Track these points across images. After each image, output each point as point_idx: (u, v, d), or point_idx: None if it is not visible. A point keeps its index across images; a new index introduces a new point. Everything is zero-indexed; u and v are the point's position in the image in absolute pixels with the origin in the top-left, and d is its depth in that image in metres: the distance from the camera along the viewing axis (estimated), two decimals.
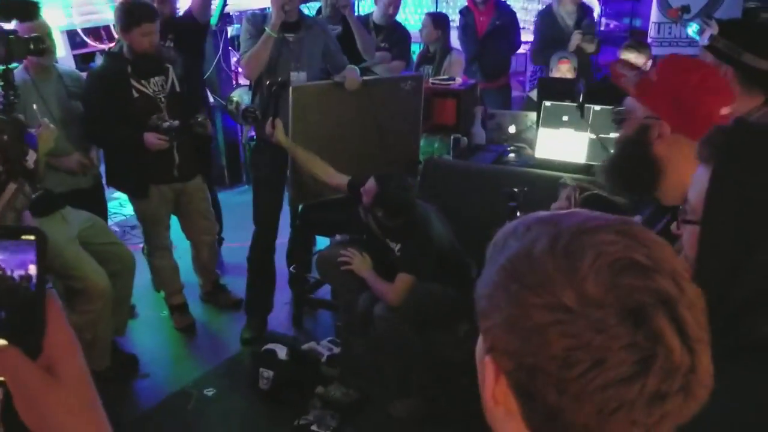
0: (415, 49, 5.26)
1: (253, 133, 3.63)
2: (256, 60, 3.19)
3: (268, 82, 3.16)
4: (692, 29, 1.84)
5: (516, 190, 2.34)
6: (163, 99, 3.26)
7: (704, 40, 1.77)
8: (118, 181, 3.50)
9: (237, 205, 4.73)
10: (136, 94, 3.21)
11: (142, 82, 3.22)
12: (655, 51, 4.87)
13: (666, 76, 1.38)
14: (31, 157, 1.87)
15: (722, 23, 1.82)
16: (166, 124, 3.19)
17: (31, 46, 2.53)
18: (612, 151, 1.63)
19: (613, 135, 3.20)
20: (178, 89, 3.31)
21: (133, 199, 3.53)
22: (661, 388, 0.54)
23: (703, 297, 0.59)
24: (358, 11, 5.91)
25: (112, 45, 5.17)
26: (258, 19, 3.34)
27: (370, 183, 2.83)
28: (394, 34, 4.26)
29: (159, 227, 3.54)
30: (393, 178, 2.88)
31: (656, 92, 1.38)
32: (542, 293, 0.57)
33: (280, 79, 3.12)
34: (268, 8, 3.35)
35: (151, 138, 3.16)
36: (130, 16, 3.11)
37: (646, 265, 0.56)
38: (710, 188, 0.92)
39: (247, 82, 3.56)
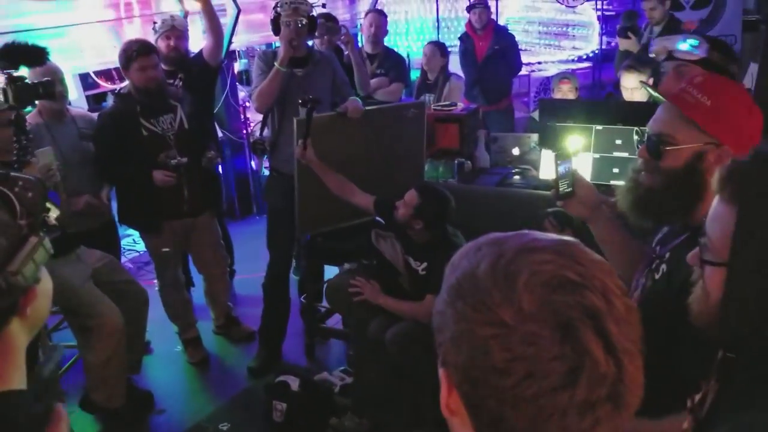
0: (415, 74, 5.34)
1: (267, 164, 3.70)
2: (266, 94, 3.29)
3: (300, 101, 3.10)
4: (689, 43, 1.88)
5: None
6: (172, 136, 3.34)
7: (703, 53, 1.82)
8: (130, 218, 3.56)
9: (248, 236, 4.78)
10: (145, 133, 3.30)
11: (151, 120, 3.31)
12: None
13: (724, 100, 1.34)
14: (53, 213, 1.97)
15: (711, 40, 1.91)
16: (173, 162, 3.27)
17: (40, 91, 2.56)
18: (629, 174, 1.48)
19: (617, 154, 3.23)
20: (186, 126, 3.39)
21: (145, 235, 3.59)
22: (590, 396, 0.58)
23: (636, 312, 0.63)
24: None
25: (123, 85, 5.31)
26: (269, 56, 3.42)
27: (411, 194, 2.85)
28: (387, 60, 4.34)
29: (171, 262, 3.59)
30: (434, 189, 2.94)
31: (720, 118, 1.33)
32: (483, 310, 0.61)
33: (311, 96, 3.08)
34: (275, 44, 3.43)
35: (159, 175, 3.23)
36: (125, 53, 3.24)
37: (577, 282, 0.60)
38: (738, 232, 0.87)
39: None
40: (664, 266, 1.39)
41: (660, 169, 1.37)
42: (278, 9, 3.30)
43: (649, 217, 1.43)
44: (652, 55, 2.10)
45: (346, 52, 4.14)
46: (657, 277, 1.40)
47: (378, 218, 3.10)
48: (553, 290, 0.60)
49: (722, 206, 0.94)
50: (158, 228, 3.43)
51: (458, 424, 0.66)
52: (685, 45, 1.90)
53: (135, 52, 3.21)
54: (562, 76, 4.52)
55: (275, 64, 3.25)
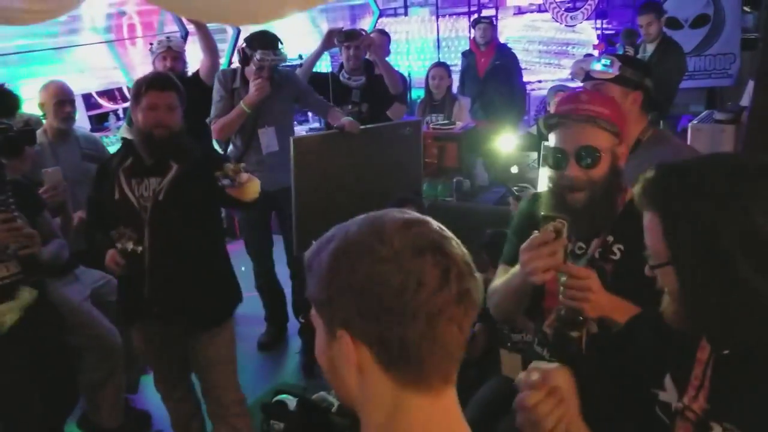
0: (416, 93, 5.37)
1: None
2: (229, 129, 3.41)
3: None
4: (603, 62, 2.04)
5: None
6: (148, 207, 2.38)
7: (615, 71, 2.01)
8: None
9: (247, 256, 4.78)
10: (117, 196, 2.41)
11: (133, 181, 2.41)
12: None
13: (611, 106, 1.57)
14: None
15: (623, 58, 2.12)
16: (119, 246, 2.34)
17: None
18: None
19: None
20: (161, 198, 2.37)
21: None
22: (460, 289, 0.79)
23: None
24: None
25: (126, 105, 5.37)
26: (227, 77, 3.49)
27: (407, 208, 2.89)
28: None
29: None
30: (411, 195, 3.18)
31: (620, 120, 1.56)
32: (368, 254, 0.79)
33: None
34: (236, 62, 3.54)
35: (108, 258, 2.39)
36: (136, 86, 2.46)
37: (421, 219, 0.83)
38: (664, 230, 1.02)
39: None
40: (618, 246, 1.55)
41: (593, 181, 1.53)
42: (247, 51, 3.38)
43: (593, 224, 1.57)
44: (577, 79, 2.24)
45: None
46: (616, 258, 1.54)
47: None
48: (410, 227, 0.81)
49: (648, 215, 1.06)
50: (128, 323, 2.63)
51: (372, 380, 0.80)
52: (598, 65, 2.04)
53: (145, 85, 2.39)
54: (558, 89, 4.54)
55: (241, 103, 3.33)
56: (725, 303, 0.97)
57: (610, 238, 1.55)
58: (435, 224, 0.84)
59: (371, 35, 4.44)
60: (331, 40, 3.87)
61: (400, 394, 0.81)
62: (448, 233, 0.83)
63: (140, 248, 2.33)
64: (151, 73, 2.57)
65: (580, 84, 2.33)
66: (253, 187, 2.27)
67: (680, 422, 1.09)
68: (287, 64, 4.14)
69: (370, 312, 0.77)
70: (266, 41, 3.38)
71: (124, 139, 2.65)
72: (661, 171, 1.05)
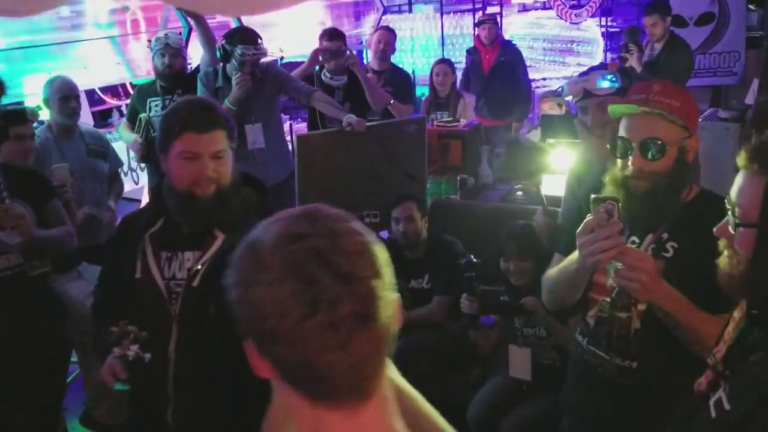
0: (420, 90, 5.35)
1: None
2: None
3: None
4: (609, 79, 2.09)
5: (473, 259, 2.50)
6: (176, 292, 1.69)
7: (620, 83, 2.10)
8: None
9: None
10: (139, 274, 1.72)
11: (163, 255, 1.72)
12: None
13: (682, 98, 1.55)
14: None
15: (622, 71, 2.23)
16: (128, 353, 1.63)
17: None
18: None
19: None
20: (196, 284, 1.66)
21: None
22: (334, 316, 0.72)
23: (366, 246, 0.77)
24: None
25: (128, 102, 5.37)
26: (210, 78, 3.46)
27: (406, 207, 3.03)
28: (395, 78, 4.30)
29: None
30: (407, 193, 3.18)
31: (689, 113, 1.55)
32: (242, 275, 0.76)
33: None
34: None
35: (105, 369, 1.68)
36: (165, 124, 1.68)
37: (304, 233, 0.75)
38: (765, 194, 1.02)
39: None
40: (672, 244, 1.55)
41: (656, 174, 1.52)
42: (227, 47, 3.32)
43: (653, 217, 1.56)
44: (568, 98, 2.25)
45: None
46: (668, 255, 1.55)
47: None
48: (287, 244, 0.74)
49: (750, 178, 1.06)
50: None
51: (276, 386, 0.80)
52: (606, 83, 2.07)
53: (179, 124, 1.63)
54: (545, 95, 4.56)
55: (226, 101, 3.28)
56: None
57: (665, 235, 1.56)
58: (330, 231, 0.76)
59: (378, 32, 4.44)
60: (316, 58, 3.85)
61: (315, 410, 0.77)
62: (350, 239, 0.77)
63: (148, 356, 1.64)
64: (183, 101, 1.78)
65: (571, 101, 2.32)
66: None
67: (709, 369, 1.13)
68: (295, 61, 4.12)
69: (255, 330, 0.76)
70: (246, 36, 3.36)
71: (154, 190, 1.84)
72: None
